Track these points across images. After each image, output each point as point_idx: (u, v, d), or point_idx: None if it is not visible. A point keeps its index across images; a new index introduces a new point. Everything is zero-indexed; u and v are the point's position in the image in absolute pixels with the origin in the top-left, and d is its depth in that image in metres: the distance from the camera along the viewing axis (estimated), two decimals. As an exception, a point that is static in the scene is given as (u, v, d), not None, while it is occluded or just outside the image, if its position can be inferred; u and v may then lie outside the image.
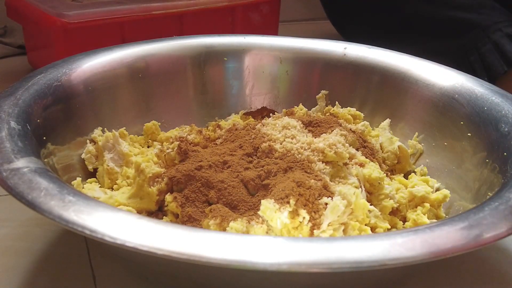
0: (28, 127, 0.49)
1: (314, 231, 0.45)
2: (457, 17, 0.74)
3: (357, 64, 0.69)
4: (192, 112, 0.69)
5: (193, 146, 0.55)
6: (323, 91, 0.69)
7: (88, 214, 0.38)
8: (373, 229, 0.49)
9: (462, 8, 0.75)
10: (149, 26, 0.83)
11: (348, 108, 0.66)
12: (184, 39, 0.70)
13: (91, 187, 0.54)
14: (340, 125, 0.58)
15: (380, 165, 0.57)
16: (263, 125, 0.57)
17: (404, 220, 0.54)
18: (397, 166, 0.62)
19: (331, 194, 0.48)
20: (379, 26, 0.81)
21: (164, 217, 0.51)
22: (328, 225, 0.45)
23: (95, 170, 0.57)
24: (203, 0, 0.88)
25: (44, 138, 0.51)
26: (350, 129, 0.59)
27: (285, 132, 0.55)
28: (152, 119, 0.64)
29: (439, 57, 0.67)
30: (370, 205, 0.48)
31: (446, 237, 0.38)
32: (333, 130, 0.56)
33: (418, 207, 0.54)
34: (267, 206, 0.46)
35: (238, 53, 0.71)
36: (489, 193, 0.48)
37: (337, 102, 0.68)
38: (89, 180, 0.56)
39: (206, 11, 0.88)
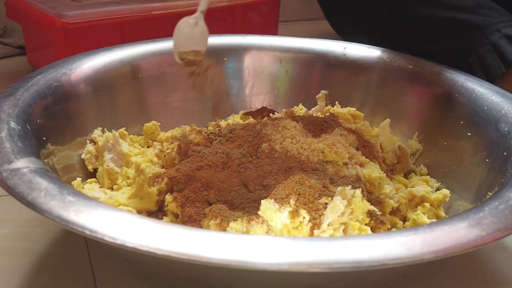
0: (28, 127, 0.49)
1: (314, 231, 0.44)
2: (455, 18, 0.74)
3: (357, 64, 0.69)
4: (192, 112, 0.69)
5: (193, 146, 0.55)
6: (323, 91, 0.69)
7: (88, 214, 0.38)
8: (373, 229, 0.49)
9: (460, 9, 0.75)
10: (149, 26, 0.83)
11: (348, 108, 0.66)
12: (184, 39, 0.70)
13: (91, 187, 0.54)
14: (340, 125, 0.58)
15: (380, 165, 0.57)
16: (263, 125, 0.57)
17: (404, 219, 0.54)
18: (397, 166, 0.62)
19: (331, 194, 0.48)
20: (377, 28, 0.82)
21: (164, 217, 0.51)
22: (328, 225, 0.45)
23: (95, 170, 0.57)
24: (203, 0, 0.88)
25: (44, 138, 0.51)
26: (350, 129, 0.59)
27: (285, 132, 0.55)
28: (152, 119, 0.64)
29: (438, 58, 0.67)
30: (370, 205, 0.48)
31: (446, 237, 0.38)
32: (333, 130, 0.56)
33: (418, 207, 0.54)
34: (267, 206, 0.46)
35: (238, 53, 0.71)
36: (489, 193, 0.48)
37: (337, 102, 0.68)
38: (89, 180, 0.56)
39: (206, 11, 0.88)
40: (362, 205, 0.47)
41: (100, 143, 0.57)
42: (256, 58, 0.71)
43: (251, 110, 0.71)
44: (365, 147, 0.58)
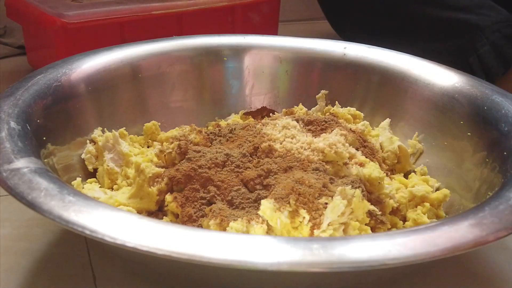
0: (28, 127, 0.49)
1: (314, 231, 0.45)
2: (456, 18, 0.74)
3: (357, 64, 0.69)
4: (192, 112, 0.69)
5: (193, 146, 0.55)
6: (323, 91, 0.69)
7: (88, 214, 0.38)
8: (373, 229, 0.49)
9: (460, 9, 0.75)
10: (149, 26, 0.83)
11: (348, 107, 0.66)
12: (184, 39, 0.70)
13: (91, 187, 0.54)
14: (340, 125, 0.58)
15: (380, 165, 0.57)
16: (263, 125, 0.57)
17: (404, 219, 0.54)
18: (397, 166, 0.62)
19: (331, 194, 0.48)
20: (378, 27, 0.82)
21: (164, 217, 0.51)
22: (328, 225, 0.45)
23: (95, 170, 0.57)
24: (203, 0, 0.88)
25: (44, 138, 0.51)
26: (350, 129, 0.59)
27: (285, 132, 0.55)
28: (152, 119, 0.64)
29: (438, 58, 0.67)
30: (370, 205, 0.48)
31: (446, 237, 0.38)
32: (333, 130, 0.56)
33: (418, 207, 0.54)
34: (267, 206, 0.46)
35: (238, 53, 0.71)
36: (489, 193, 0.48)
37: (337, 102, 0.68)
38: (89, 180, 0.56)
39: (206, 11, 0.88)
40: (362, 205, 0.47)
41: (100, 143, 0.57)
42: (256, 58, 0.71)
43: (251, 110, 0.71)
44: (365, 147, 0.58)
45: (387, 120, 0.64)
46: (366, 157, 0.55)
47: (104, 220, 0.38)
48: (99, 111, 0.61)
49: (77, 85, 0.59)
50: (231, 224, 0.45)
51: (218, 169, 0.51)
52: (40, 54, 0.87)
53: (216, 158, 0.52)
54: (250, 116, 0.69)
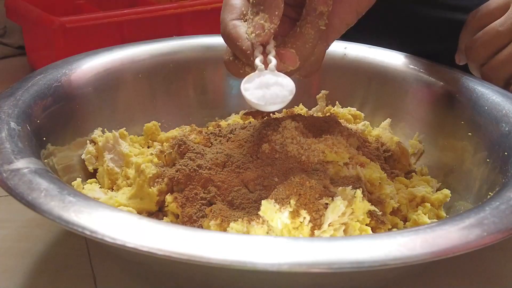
0: (28, 127, 0.49)
1: (315, 231, 0.44)
2: (454, 18, 0.74)
3: (358, 64, 0.69)
4: (192, 112, 0.69)
5: (194, 145, 0.55)
6: (323, 91, 0.69)
7: (89, 214, 0.38)
8: (373, 229, 0.49)
9: (459, 10, 0.74)
10: (149, 26, 0.83)
11: (349, 108, 0.66)
12: (184, 39, 0.70)
13: (91, 188, 0.54)
14: (341, 125, 0.58)
15: (380, 165, 0.57)
16: (263, 125, 0.57)
17: (405, 220, 0.54)
18: (398, 166, 0.62)
19: (331, 194, 0.47)
20: (376, 29, 0.81)
21: (164, 217, 0.51)
22: (329, 225, 0.45)
23: (95, 170, 0.57)
24: (203, 0, 0.88)
25: (44, 138, 0.51)
26: (351, 129, 0.59)
27: (286, 132, 0.55)
28: (152, 120, 0.64)
29: (438, 58, 0.67)
30: (371, 205, 0.48)
31: (447, 237, 0.38)
32: (333, 130, 0.56)
33: (419, 207, 0.54)
34: (268, 206, 0.45)
35: (238, 53, 0.71)
36: (490, 193, 0.48)
37: (337, 102, 0.68)
38: (89, 180, 0.56)
39: (206, 11, 0.88)
40: (363, 205, 0.47)
41: (100, 144, 0.57)
42: (257, 58, 0.71)
43: (252, 110, 0.70)
44: (366, 147, 0.58)
45: (388, 120, 0.64)
46: (367, 157, 0.55)
47: (104, 221, 0.37)
48: (99, 111, 0.61)
49: (77, 85, 0.59)
50: (232, 224, 0.45)
51: (219, 169, 0.51)
52: (40, 54, 0.87)
53: (217, 159, 0.51)
54: (251, 116, 0.69)
